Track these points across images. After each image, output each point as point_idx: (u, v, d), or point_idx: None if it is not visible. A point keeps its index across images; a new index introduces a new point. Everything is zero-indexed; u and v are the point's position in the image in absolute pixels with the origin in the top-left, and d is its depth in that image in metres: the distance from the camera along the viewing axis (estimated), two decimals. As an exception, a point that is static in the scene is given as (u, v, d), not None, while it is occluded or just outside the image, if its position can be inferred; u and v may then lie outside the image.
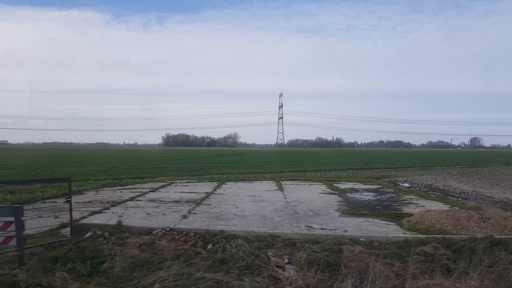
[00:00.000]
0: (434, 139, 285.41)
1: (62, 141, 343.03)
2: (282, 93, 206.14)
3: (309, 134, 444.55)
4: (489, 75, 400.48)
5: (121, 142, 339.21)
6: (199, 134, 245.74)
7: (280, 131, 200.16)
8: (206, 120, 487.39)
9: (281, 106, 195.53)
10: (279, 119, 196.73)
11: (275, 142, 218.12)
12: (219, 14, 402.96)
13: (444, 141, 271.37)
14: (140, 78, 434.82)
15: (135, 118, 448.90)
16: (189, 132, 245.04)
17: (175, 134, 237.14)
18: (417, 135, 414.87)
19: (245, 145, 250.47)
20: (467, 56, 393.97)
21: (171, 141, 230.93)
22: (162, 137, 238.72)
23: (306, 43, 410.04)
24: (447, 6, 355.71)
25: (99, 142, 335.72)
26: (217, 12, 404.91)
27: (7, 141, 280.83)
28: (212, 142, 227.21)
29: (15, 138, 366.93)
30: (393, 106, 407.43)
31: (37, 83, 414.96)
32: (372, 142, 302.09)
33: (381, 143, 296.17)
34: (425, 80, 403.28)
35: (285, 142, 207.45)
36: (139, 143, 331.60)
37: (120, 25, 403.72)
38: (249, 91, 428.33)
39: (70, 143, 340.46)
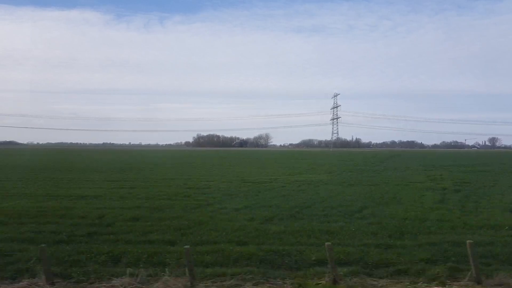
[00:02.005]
0: (447, 139, 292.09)
1: (64, 142, 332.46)
2: (338, 93, 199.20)
3: (322, 134, 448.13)
4: (489, 75, 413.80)
5: (126, 143, 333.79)
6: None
7: (335, 131, 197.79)
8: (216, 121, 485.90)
9: (336, 106, 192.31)
10: (333, 119, 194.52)
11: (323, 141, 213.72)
12: (219, 14, 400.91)
13: (458, 141, 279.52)
14: (140, 78, 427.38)
15: (146, 119, 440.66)
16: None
17: (205, 134, 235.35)
18: (435, 134, 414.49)
19: (278, 146, 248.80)
20: (468, 56, 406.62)
21: (201, 141, 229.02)
22: (193, 137, 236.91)
23: (306, 43, 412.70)
24: (448, 6, 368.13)
25: (105, 143, 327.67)
26: (217, 12, 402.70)
27: (15, 141, 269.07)
28: (243, 143, 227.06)
29: (17, 138, 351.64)
30: (393, 106, 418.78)
31: (37, 83, 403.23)
32: (384, 142, 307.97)
33: (393, 143, 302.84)
34: (425, 80, 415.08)
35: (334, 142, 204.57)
36: (143, 143, 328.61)
37: (121, 25, 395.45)
38: (249, 91, 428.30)
39: (77, 143, 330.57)
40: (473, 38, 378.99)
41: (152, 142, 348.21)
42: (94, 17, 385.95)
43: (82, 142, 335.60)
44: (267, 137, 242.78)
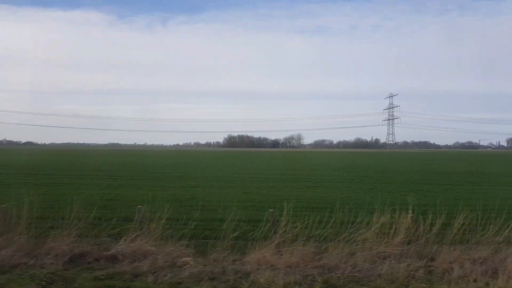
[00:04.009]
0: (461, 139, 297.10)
1: (67, 142, 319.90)
2: (396, 94, 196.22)
3: (330, 135, 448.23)
4: (491, 75, 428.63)
5: (130, 143, 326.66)
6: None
7: (391, 132, 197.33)
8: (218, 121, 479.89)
9: (393, 107, 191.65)
10: (389, 120, 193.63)
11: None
12: (221, 15, 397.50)
13: (472, 141, 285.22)
14: (142, 78, 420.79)
15: (150, 120, 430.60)
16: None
17: (237, 135, 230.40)
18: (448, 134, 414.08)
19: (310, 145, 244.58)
20: (470, 56, 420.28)
21: (232, 142, 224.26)
22: (224, 137, 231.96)
23: (309, 43, 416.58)
24: (451, 7, 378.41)
25: (112, 143, 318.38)
26: (220, 12, 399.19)
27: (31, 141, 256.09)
28: (276, 143, 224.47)
29: (18, 138, 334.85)
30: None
31: (39, 83, 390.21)
32: (396, 142, 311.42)
33: (405, 143, 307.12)
34: (426, 80, 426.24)
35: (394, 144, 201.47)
36: (147, 144, 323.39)
37: (123, 25, 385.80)
38: (250, 92, 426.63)
39: (84, 143, 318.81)
40: (476, 39, 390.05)
41: (156, 142, 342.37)
42: (96, 17, 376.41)
43: (87, 142, 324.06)
44: (298, 137, 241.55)
